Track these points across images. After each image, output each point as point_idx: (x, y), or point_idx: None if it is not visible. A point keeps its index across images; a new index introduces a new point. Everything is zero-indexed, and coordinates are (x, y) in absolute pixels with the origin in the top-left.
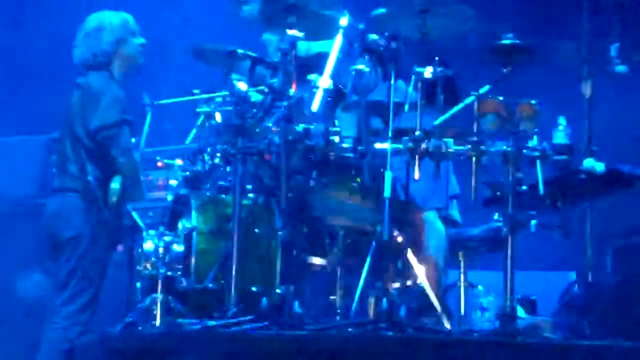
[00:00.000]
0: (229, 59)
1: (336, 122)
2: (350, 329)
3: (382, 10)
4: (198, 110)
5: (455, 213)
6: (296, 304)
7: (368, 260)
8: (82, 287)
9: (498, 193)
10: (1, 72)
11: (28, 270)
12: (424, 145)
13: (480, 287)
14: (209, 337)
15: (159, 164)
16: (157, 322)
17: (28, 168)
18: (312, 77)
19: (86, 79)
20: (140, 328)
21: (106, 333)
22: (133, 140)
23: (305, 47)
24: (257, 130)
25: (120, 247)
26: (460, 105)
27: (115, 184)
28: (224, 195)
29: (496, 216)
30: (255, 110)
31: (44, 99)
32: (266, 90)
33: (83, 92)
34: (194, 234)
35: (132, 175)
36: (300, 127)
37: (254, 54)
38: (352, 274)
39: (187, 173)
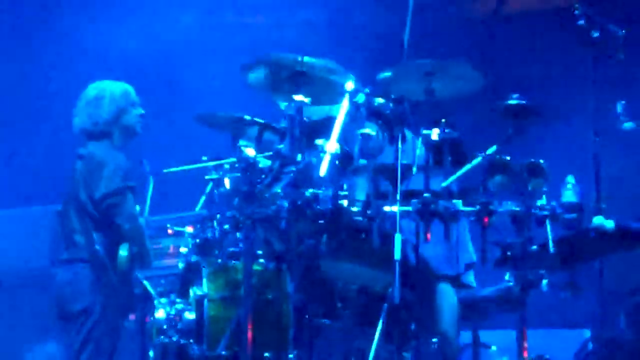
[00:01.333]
0: (237, 125)
1: (344, 186)
2: None
3: (387, 74)
4: (207, 177)
5: (471, 279)
6: None
7: (380, 323)
8: (94, 358)
9: (508, 253)
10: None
11: (41, 342)
12: (432, 207)
13: (494, 347)
14: None
15: (169, 231)
16: None
17: (37, 239)
18: (319, 141)
19: (87, 149)
20: None
21: None
22: (137, 207)
23: (313, 112)
24: (266, 195)
25: (132, 316)
26: (468, 166)
27: (123, 252)
28: (234, 262)
29: (507, 276)
30: (263, 175)
31: (45, 169)
32: (274, 155)
33: (86, 162)
34: (205, 301)
35: (139, 241)
36: (308, 192)
37: (261, 120)
38: (364, 337)
39: (198, 240)
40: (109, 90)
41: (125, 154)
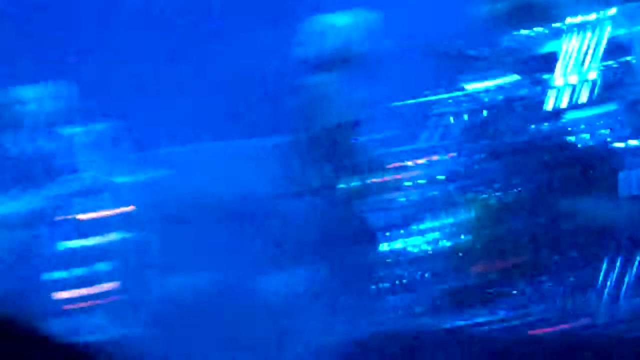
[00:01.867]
0: (464, 60)
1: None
2: None
3: None
4: (433, 111)
5: None
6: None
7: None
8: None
9: None
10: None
11: (274, 270)
12: None
13: None
14: None
15: (395, 164)
16: None
17: (267, 170)
18: (548, 75)
19: (314, 80)
20: None
21: None
22: (364, 138)
23: None
24: (493, 130)
25: None
26: None
27: (348, 184)
28: (467, 194)
29: None
30: (491, 110)
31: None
32: (502, 90)
33: (310, 94)
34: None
35: (365, 173)
36: (537, 127)
37: (488, 54)
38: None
39: (428, 173)
40: (332, 20)
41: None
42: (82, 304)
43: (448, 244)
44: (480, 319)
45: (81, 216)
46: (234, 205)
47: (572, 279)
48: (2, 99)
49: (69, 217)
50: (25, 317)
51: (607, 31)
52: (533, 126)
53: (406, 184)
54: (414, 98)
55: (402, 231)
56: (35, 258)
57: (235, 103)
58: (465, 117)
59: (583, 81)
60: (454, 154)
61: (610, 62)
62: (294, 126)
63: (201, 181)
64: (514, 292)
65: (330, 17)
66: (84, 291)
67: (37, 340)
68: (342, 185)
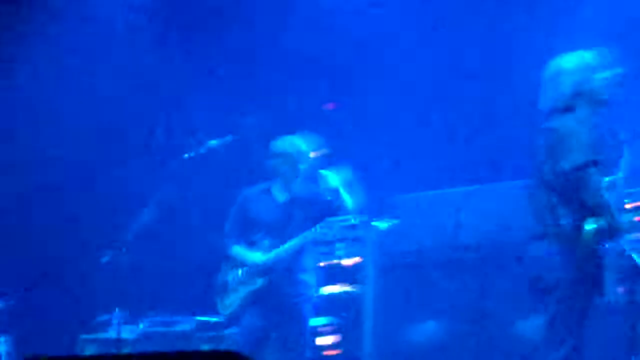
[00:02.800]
0: None
1: None
2: None
3: None
4: None
5: None
6: None
7: None
8: (561, 337)
9: None
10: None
11: (525, 313)
12: None
13: None
14: None
15: None
16: None
17: (514, 214)
18: None
19: (552, 123)
20: None
21: None
22: (607, 179)
23: None
24: None
25: (620, 289)
26: None
27: (588, 226)
28: None
29: None
30: None
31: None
32: None
33: (550, 136)
34: None
35: (606, 215)
36: None
37: None
38: None
39: None
40: (565, 63)
41: (597, 124)
42: (334, 351)
43: None
44: None
45: (345, 261)
46: (485, 249)
47: None
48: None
49: (334, 262)
50: None
51: None
52: None
53: None
54: None
55: None
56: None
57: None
58: None
59: None
60: None
61: None
62: (534, 168)
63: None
64: None
65: (561, 60)
66: (335, 338)
67: None
68: (590, 226)
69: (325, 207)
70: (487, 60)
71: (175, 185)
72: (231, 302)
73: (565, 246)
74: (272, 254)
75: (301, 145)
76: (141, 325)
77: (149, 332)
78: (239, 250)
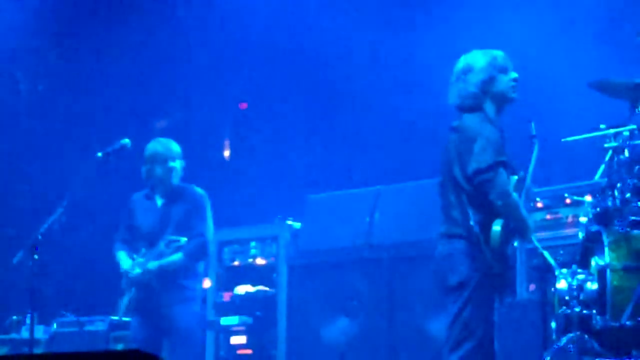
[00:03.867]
0: (635, 92)
1: None
2: None
3: None
4: (606, 145)
5: None
6: None
7: None
8: (464, 336)
9: None
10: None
11: (435, 312)
12: None
13: None
14: None
15: (567, 200)
16: None
17: (427, 212)
18: None
19: (460, 121)
20: None
21: None
22: (515, 177)
23: None
24: None
25: (532, 287)
26: None
27: (496, 227)
28: (637, 231)
29: None
30: None
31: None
32: None
33: (459, 136)
34: (608, 271)
35: (514, 216)
36: None
37: None
38: None
39: (598, 209)
40: (474, 61)
41: (500, 124)
42: (248, 350)
43: (618, 282)
44: None
45: (259, 261)
46: (398, 248)
47: None
48: None
49: (248, 261)
50: None
51: None
52: None
53: (580, 219)
54: (588, 132)
55: (573, 268)
56: None
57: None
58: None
59: None
60: (627, 188)
61: None
62: (442, 168)
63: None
64: None
65: (470, 57)
66: (249, 337)
67: None
68: (497, 226)
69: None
70: (401, 62)
71: (87, 184)
72: (121, 306)
73: (475, 245)
74: (139, 267)
75: (172, 145)
76: (54, 326)
77: (62, 332)
78: (119, 256)
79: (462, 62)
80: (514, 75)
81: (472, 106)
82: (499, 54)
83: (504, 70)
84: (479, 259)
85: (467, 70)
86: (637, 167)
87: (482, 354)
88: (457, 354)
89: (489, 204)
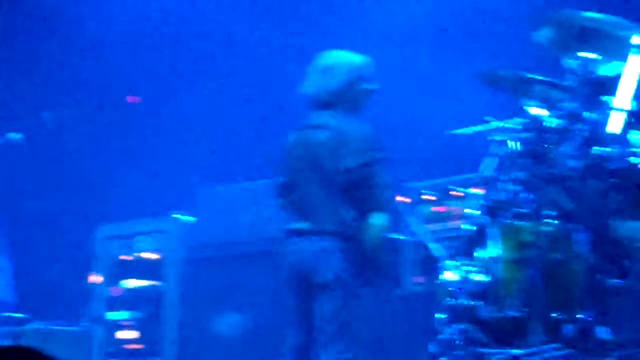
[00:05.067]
0: (521, 84)
1: (637, 142)
2: None
3: None
4: (491, 138)
5: None
6: (601, 329)
7: None
8: (341, 332)
9: None
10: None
11: (225, 312)
12: None
13: None
14: None
15: (453, 193)
16: (460, 353)
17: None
18: (608, 98)
19: (325, 118)
20: (443, 359)
21: None
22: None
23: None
24: (553, 155)
25: (418, 279)
26: None
27: (376, 221)
28: (523, 223)
29: None
30: (551, 135)
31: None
32: (562, 114)
33: (331, 132)
34: (494, 262)
35: (390, 209)
36: (598, 151)
37: (547, 79)
38: None
39: (485, 201)
40: (343, 60)
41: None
42: (136, 346)
43: (504, 273)
44: (536, 349)
45: (146, 255)
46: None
47: (633, 305)
48: None
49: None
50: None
51: None
52: (596, 150)
53: (466, 211)
54: (474, 125)
55: (458, 261)
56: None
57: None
58: (525, 142)
59: None
60: (514, 181)
61: None
62: (319, 164)
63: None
64: (573, 320)
65: (340, 55)
66: (137, 333)
67: None
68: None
69: None
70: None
71: None
72: None
73: (349, 241)
74: None
75: None
76: None
77: None
78: None
79: (331, 58)
80: (374, 86)
81: (331, 102)
82: (366, 61)
83: (366, 79)
84: (353, 255)
85: (335, 67)
86: (523, 160)
87: (355, 348)
88: (334, 349)
89: (365, 199)
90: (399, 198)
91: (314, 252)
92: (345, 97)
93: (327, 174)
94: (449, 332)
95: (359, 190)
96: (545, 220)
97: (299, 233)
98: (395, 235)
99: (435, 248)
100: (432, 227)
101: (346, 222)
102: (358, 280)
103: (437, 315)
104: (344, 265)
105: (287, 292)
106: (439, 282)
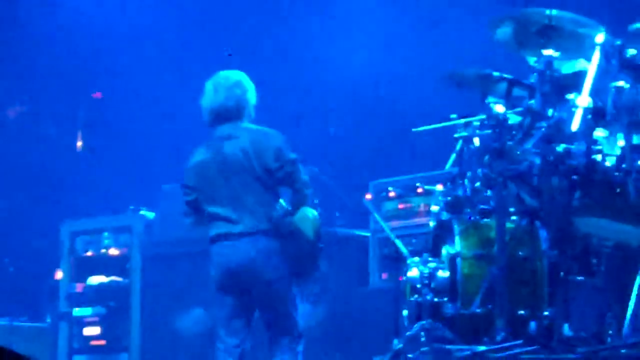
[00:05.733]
0: (485, 82)
1: (599, 139)
2: (623, 351)
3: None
4: (456, 135)
5: None
6: (565, 326)
7: (638, 281)
8: (290, 326)
9: None
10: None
11: (188, 308)
12: None
13: None
14: None
15: (419, 189)
16: (425, 349)
17: None
18: (570, 96)
19: (235, 128)
20: (409, 356)
21: None
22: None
23: (563, 66)
24: (517, 152)
25: (384, 275)
26: None
27: (308, 214)
28: (486, 219)
29: None
30: (514, 132)
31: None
32: (524, 111)
33: (251, 136)
34: (458, 259)
35: (314, 205)
36: (561, 148)
37: (510, 76)
38: (620, 293)
39: (448, 198)
40: (248, 82)
41: None
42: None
43: (468, 270)
44: (501, 346)
45: (112, 251)
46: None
47: (597, 302)
48: None
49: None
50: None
51: (630, 52)
52: (559, 147)
53: (432, 208)
54: (438, 122)
55: (424, 256)
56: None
57: None
58: (488, 140)
59: (605, 101)
60: (477, 178)
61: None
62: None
63: None
64: (538, 317)
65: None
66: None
67: None
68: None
69: None
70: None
71: None
72: None
73: (286, 239)
74: None
75: None
76: None
77: None
78: None
79: (238, 76)
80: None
81: (242, 115)
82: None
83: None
84: (293, 251)
85: (243, 85)
86: (486, 157)
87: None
88: (285, 342)
89: (292, 196)
90: (367, 195)
91: (253, 252)
92: (246, 110)
93: (259, 175)
94: (414, 329)
95: (289, 187)
96: (509, 217)
97: (229, 236)
98: (361, 232)
99: (401, 245)
100: (398, 223)
101: (279, 220)
102: (296, 275)
103: (403, 312)
104: (283, 261)
105: (222, 294)
106: (404, 278)
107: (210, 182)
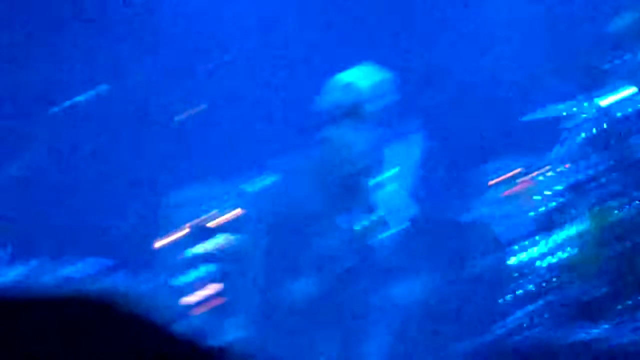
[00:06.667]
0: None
1: None
2: None
3: None
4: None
5: None
6: None
7: None
8: None
9: None
10: None
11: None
12: None
13: None
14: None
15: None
16: (535, 331)
17: None
18: None
19: (331, 132)
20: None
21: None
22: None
23: None
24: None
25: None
26: None
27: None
28: (610, 202)
29: None
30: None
31: None
32: None
33: (329, 145)
34: (580, 239)
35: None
36: None
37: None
38: None
39: (569, 179)
40: (356, 78)
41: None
42: (203, 307)
43: (575, 255)
44: (607, 332)
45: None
46: None
47: None
48: None
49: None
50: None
51: None
52: None
53: (534, 196)
54: (545, 113)
55: (527, 242)
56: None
57: None
58: (595, 130)
59: None
60: (584, 165)
61: None
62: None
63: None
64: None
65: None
66: (204, 294)
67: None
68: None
69: None
70: None
71: None
72: None
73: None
74: None
75: None
76: None
77: None
78: None
79: (346, 75)
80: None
81: (341, 116)
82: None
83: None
84: None
85: (349, 84)
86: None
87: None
88: None
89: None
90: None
91: None
92: (356, 113)
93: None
94: (519, 314)
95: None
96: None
97: None
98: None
99: (506, 229)
100: (507, 207)
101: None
102: None
103: (506, 297)
104: None
105: None
106: (509, 262)
107: None
